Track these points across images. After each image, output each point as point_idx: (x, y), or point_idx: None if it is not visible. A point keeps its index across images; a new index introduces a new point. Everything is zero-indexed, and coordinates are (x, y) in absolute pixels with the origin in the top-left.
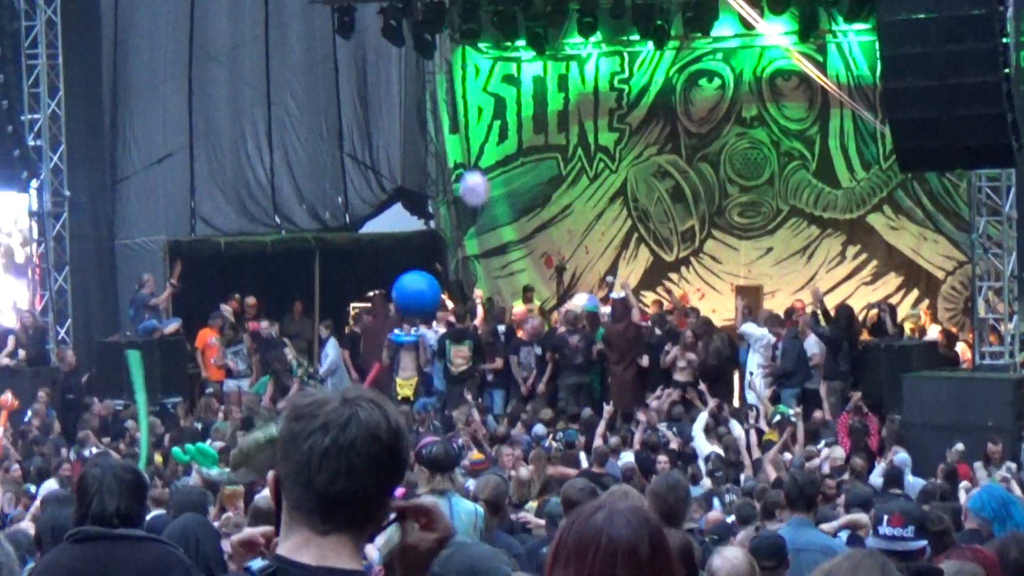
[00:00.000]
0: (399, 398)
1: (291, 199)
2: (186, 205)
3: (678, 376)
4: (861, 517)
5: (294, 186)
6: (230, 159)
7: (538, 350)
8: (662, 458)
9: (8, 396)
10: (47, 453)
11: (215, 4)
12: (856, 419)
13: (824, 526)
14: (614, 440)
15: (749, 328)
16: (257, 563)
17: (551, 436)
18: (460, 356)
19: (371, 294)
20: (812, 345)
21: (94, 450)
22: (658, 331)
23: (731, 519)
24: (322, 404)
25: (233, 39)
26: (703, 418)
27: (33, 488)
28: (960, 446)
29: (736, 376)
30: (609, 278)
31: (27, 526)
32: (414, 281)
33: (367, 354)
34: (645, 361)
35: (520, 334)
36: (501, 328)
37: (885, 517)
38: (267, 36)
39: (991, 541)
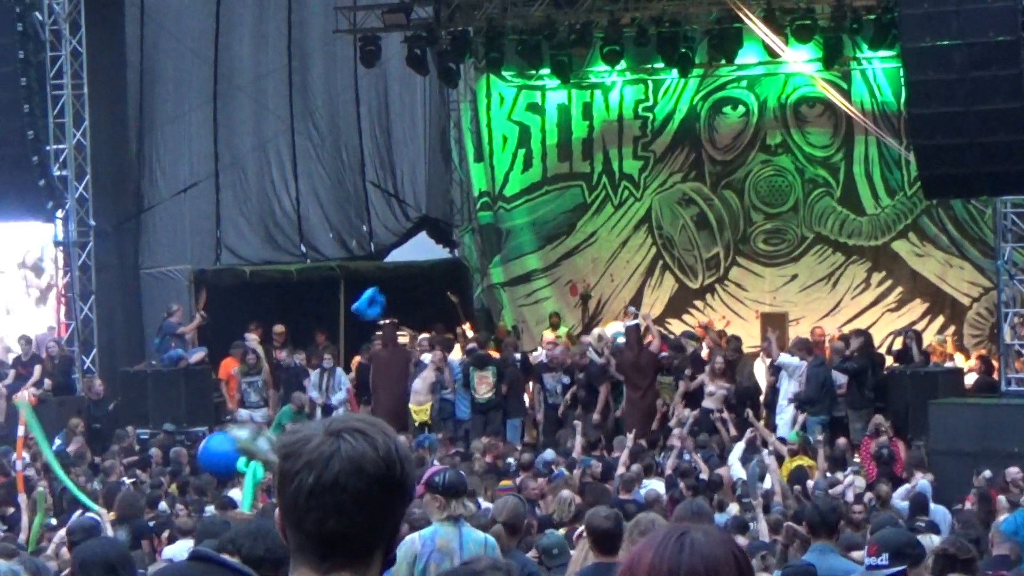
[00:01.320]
0: (416, 424)
1: (318, 228)
2: (211, 234)
3: (707, 403)
4: None
5: (321, 215)
6: (255, 188)
7: (565, 379)
8: (681, 484)
9: (26, 393)
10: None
11: (239, 34)
12: (882, 445)
13: (855, 554)
14: (636, 467)
15: (785, 359)
16: None
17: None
18: (484, 383)
19: (383, 323)
20: (839, 374)
21: (126, 480)
22: (676, 360)
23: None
24: (306, 441)
25: (257, 69)
26: (739, 448)
27: (55, 520)
28: (987, 473)
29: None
30: (631, 309)
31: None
32: (220, 443)
33: (378, 382)
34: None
35: (537, 354)
36: (516, 356)
37: (867, 548)
38: (290, 66)
39: (1017, 569)
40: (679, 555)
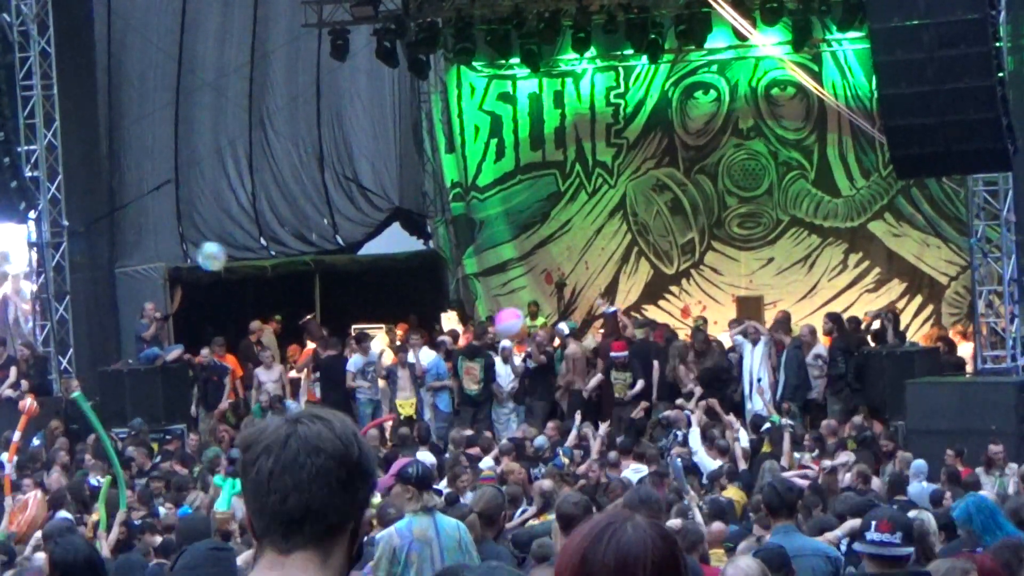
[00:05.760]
0: (402, 418)
1: (273, 223)
2: (177, 232)
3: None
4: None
5: (273, 210)
6: (211, 185)
7: (529, 363)
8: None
9: (29, 400)
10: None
11: (204, 31)
12: (864, 427)
13: (827, 535)
14: (613, 455)
15: (740, 338)
16: None
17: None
18: (470, 374)
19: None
20: (815, 356)
21: (100, 478)
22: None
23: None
24: (264, 429)
25: (220, 66)
26: (696, 433)
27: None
28: (964, 450)
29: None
30: (599, 301)
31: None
32: None
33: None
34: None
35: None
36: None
37: (873, 523)
38: (252, 62)
39: (991, 548)
40: (595, 547)
